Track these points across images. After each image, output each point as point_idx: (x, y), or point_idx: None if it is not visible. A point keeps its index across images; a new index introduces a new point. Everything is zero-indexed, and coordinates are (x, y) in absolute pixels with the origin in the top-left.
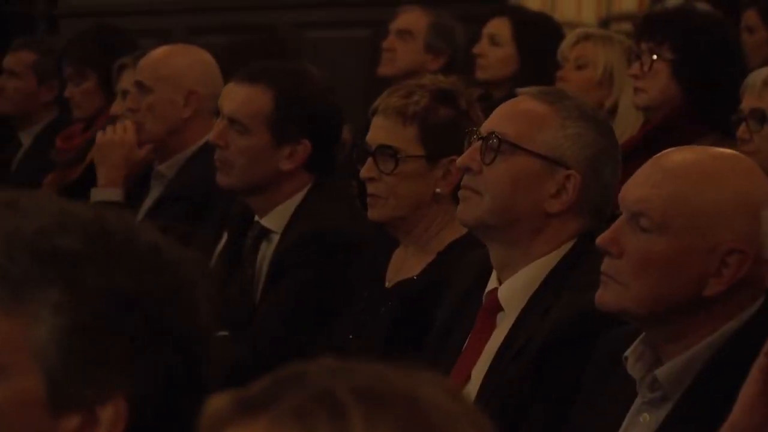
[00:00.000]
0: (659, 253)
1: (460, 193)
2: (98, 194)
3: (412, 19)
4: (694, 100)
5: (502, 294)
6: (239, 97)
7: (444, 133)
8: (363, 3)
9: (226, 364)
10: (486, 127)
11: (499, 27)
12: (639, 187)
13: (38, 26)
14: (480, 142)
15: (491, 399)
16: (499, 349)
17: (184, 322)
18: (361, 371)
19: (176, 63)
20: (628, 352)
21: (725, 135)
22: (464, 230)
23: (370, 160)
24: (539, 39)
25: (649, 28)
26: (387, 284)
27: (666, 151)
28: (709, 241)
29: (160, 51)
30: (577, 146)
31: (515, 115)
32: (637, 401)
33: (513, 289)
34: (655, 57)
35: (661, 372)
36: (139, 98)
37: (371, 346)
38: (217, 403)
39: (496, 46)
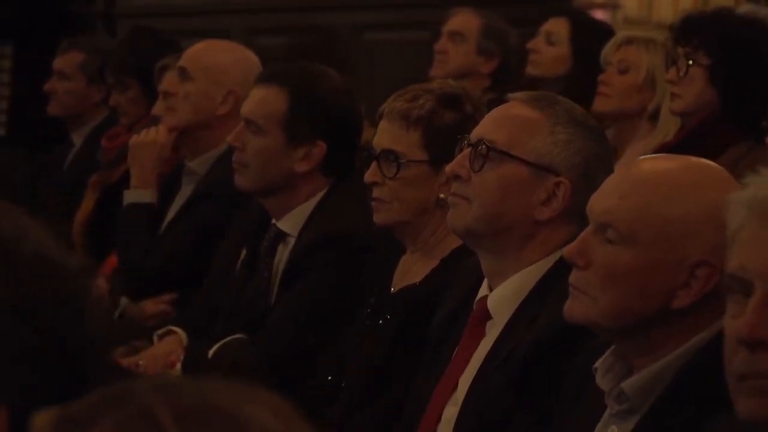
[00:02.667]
0: (626, 265)
1: (449, 200)
2: (131, 196)
3: (464, 21)
4: (729, 106)
5: (491, 302)
6: (255, 98)
7: (448, 138)
8: (421, 5)
9: (243, 367)
10: (475, 133)
11: (557, 26)
12: (606, 198)
13: (96, 26)
14: (469, 149)
15: (475, 409)
16: (486, 357)
17: (71, 331)
18: (187, 389)
19: (222, 58)
20: (597, 364)
21: (760, 141)
22: None
23: (374, 164)
24: (595, 42)
25: (686, 32)
26: (393, 289)
27: (638, 159)
28: (677, 254)
29: (209, 43)
30: (567, 152)
31: (504, 121)
32: (606, 413)
33: (502, 297)
34: (690, 62)
35: (627, 384)
36: (179, 84)
37: (374, 353)
38: (42, 420)
39: (551, 45)
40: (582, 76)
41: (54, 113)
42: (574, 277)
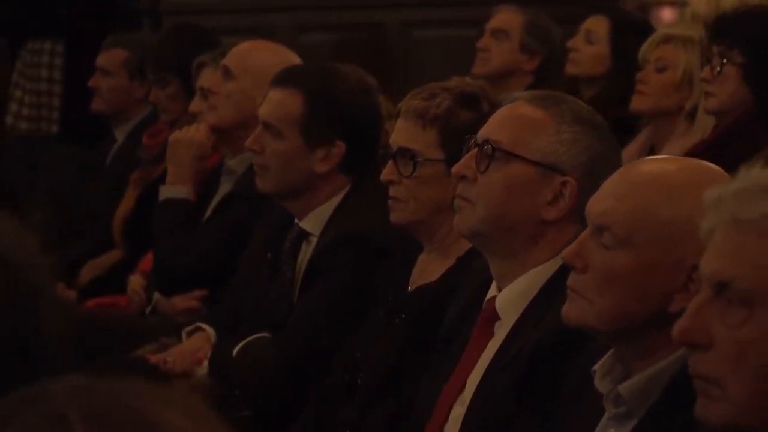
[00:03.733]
0: (623, 268)
1: (455, 203)
2: (166, 191)
3: (507, 18)
4: (764, 104)
5: (499, 302)
6: (271, 101)
7: (464, 137)
8: (470, 2)
9: (263, 366)
10: (481, 134)
11: (596, 25)
12: (603, 200)
13: (143, 23)
14: (476, 149)
15: (481, 409)
16: (493, 358)
17: (24, 329)
18: (103, 392)
19: (265, 59)
20: (596, 366)
21: None
22: None
23: (390, 162)
24: (634, 41)
25: (720, 30)
26: (409, 288)
27: (636, 161)
28: (674, 256)
29: (253, 43)
30: (573, 151)
31: (510, 121)
32: (605, 416)
33: (510, 298)
34: (724, 61)
35: (624, 387)
36: (220, 82)
37: (389, 352)
38: None
39: (590, 44)
40: (621, 75)
41: (97, 109)
42: (571, 279)
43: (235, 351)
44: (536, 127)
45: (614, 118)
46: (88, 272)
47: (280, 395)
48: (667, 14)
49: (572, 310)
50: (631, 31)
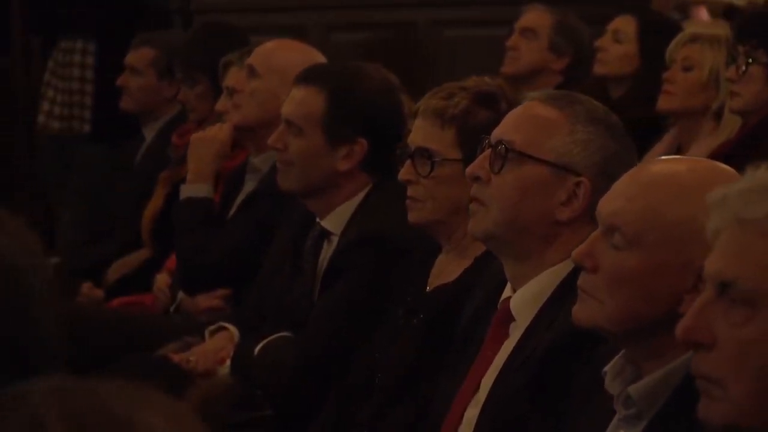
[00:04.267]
0: (632, 269)
1: (470, 206)
2: (187, 190)
3: (536, 17)
4: None
5: (514, 304)
6: (294, 99)
7: (482, 136)
8: (500, 2)
9: (282, 366)
10: (495, 134)
11: (624, 24)
12: (614, 201)
13: (173, 22)
14: (489, 149)
15: (494, 411)
16: (507, 359)
17: (17, 330)
18: (81, 394)
19: (290, 58)
20: (607, 368)
21: None
22: None
23: (408, 162)
24: (662, 40)
25: (746, 30)
26: (428, 289)
27: (647, 161)
28: (683, 257)
29: (278, 42)
30: (587, 152)
31: (524, 121)
32: (615, 418)
33: (524, 299)
34: (750, 60)
35: (633, 389)
36: (245, 80)
37: (406, 352)
38: None
39: (618, 43)
40: (649, 75)
41: (126, 108)
42: (582, 279)
43: (256, 350)
44: (550, 127)
45: (641, 117)
46: (115, 271)
47: (300, 395)
48: (704, 14)
49: (582, 311)
50: (659, 31)
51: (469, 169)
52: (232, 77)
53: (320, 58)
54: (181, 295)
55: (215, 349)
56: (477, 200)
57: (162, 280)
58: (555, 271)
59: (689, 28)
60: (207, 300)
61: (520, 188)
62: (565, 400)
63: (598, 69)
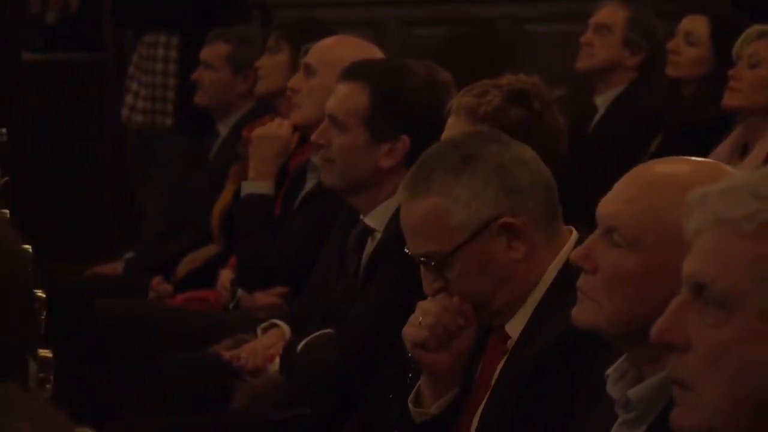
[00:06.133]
0: (631, 270)
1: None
2: (248, 187)
3: (610, 13)
4: None
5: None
6: (338, 95)
7: (515, 134)
8: None
9: (321, 364)
10: (413, 251)
11: (695, 25)
12: (613, 201)
13: (252, 16)
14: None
15: (490, 424)
16: (498, 376)
17: None
18: None
19: (346, 54)
20: (610, 371)
21: None
22: None
23: None
24: (735, 40)
25: None
26: None
27: (651, 162)
28: (683, 258)
29: (334, 38)
30: (480, 199)
31: (420, 229)
32: (617, 422)
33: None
34: None
35: (632, 392)
36: (304, 80)
37: None
38: None
39: (691, 46)
40: (721, 75)
41: (200, 103)
42: (581, 281)
43: (298, 348)
44: (438, 217)
45: (712, 117)
46: (185, 266)
47: (337, 393)
48: None
49: (582, 313)
50: (732, 31)
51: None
52: (294, 78)
53: (378, 54)
54: (240, 292)
55: (265, 347)
56: (458, 295)
57: (225, 276)
58: (538, 287)
59: (758, 26)
60: (265, 297)
61: (473, 276)
62: (558, 406)
63: (671, 71)
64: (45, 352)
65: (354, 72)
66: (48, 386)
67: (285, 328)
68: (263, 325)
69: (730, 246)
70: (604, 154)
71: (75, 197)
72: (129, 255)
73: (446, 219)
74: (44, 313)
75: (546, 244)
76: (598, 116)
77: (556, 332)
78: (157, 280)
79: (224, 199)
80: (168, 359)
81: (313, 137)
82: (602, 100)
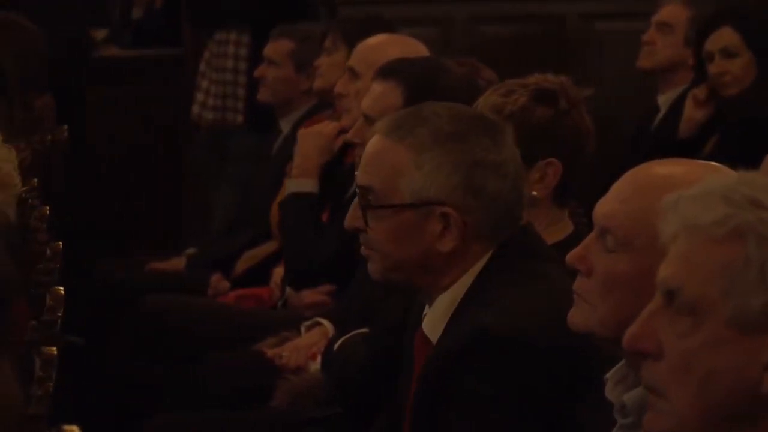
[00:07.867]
0: (623, 272)
1: (362, 251)
2: (292, 185)
3: (672, 12)
4: None
5: (426, 326)
6: (373, 93)
7: (540, 134)
8: None
9: (353, 364)
10: (357, 178)
11: (728, 39)
12: (608, 203)
13: (319, 13)
14: (358, 197)
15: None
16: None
17: None
18: None
19: (390, 54)
20: (608, 375)
21: None
22: (565, 233)
23: None
24: None
25: None
26: None
27: (649, 163)
28: None
29: (376, 38)
30: (441, 179)
31: (374, 166)
32: (616, 426)
33: (434, 319)
34: None
35: (627, 397)
36: (350, 83)
37: None
38: None
39: (730, 58)
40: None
41: (263, 99)
42: (577, 283)
43: (335, 347)
44: (397, 167)
45: (758, 117)
46: (244, 263)
47: (365, 393)
48: None
49: (576, 315)
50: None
51: (346, 223)
52: (340, 83)
53: (423, 52)
54: (288, 290)
55: (308, 345)
56: (366, 247)
57: (278, 274)
58: (457, 287)
59: None
60: (312, 295)
61: (392, 238)
62: (456, 404)
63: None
64: (50, 350)
65: (388, 70)
66: (49, 384)
67: (328, 326)
68: (307, 323)
69: (699, 252)
70: (665, 155)
71: (152, 193)
72: (191, 251)
73: (401, 175)
74: (61, 309)
75: (473, 256)
76: (660, 116)
77: (460, 333)
78: (216, 278)
79: (282, 195)
80: (211, 357)
81: (348, 136)
82: (664, 100)
